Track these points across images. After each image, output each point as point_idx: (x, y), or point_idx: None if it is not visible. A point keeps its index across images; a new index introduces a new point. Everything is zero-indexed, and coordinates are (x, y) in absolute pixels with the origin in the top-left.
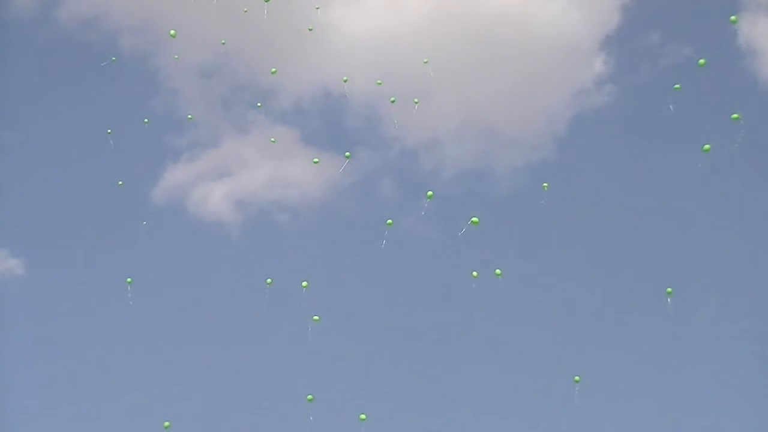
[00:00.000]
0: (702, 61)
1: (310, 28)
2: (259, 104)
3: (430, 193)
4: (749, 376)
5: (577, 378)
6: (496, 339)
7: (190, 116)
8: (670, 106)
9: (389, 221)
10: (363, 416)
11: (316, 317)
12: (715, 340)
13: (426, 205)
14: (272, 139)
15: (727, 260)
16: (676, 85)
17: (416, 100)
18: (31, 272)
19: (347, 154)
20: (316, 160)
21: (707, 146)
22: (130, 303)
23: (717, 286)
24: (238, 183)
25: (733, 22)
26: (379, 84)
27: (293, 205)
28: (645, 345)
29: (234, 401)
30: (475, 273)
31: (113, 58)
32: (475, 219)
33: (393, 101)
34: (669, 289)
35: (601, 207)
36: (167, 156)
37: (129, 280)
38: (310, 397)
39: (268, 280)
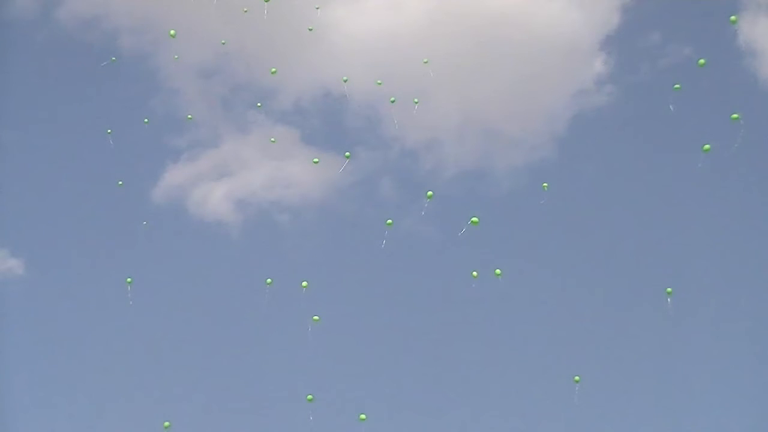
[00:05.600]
0: (702, 61)
1: (310, 28)
2: (259, 104)
3: (430, 193)
4: (749, 376)
5: (577, 378)
6: (496, 339)
7: (190, 116)
8: (670, 106)
9: (389, 221)
10: (363, 416)
11: (316, 317)
12: (715, 340)
13: (426, 205)
14: (272, 139)
15: (727, 260)
16: (676, 85)
17: (416, 100)
18: (31, 272)
19: (347, 154)
20: (316, 160)
21: (707, 146)
22: (130, 303)
23: (717, 286)
24: (238, 183)
25: (733, 22)
26: (379, 84)
27: (293, 205)
28: (645, 345)
29: (234, 401)
30: (475, 273)
31: (113, 58)
32: (475, 219)
33: (393, 101)
34: (669, 289)
35: (601, 207)
36: (167, 156)
37: (129, 280)
38: (310, 397)
39: (268, 280)
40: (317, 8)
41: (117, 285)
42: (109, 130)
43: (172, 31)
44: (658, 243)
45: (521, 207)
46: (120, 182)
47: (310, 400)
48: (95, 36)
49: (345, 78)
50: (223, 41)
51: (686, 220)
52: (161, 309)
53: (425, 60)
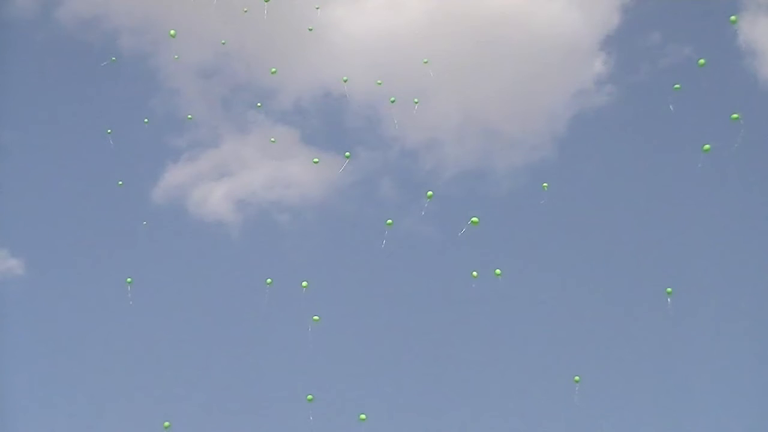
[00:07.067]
0: (702, 61)
1: (310, 28)
2: (259, 104)
3: (430, 193)
4: (749, 376)
5: (577, 378)
6: (496, 339)
7: (190, 116)
8: (670, 106)
9: (389, 221)
10: (363, 416)
11: (316, 317)
12: (715, 340)
13: (426, 205)
14: (272, 139)
15: (727, 260)
16: (676, 85)
17: (416, 100)
18: (31, 272)
19: (347, 154)
20: (316, 160)
21: (707, 146)
22: (130, 303)
23: (717, 286)
24: (238, 183)
25: (733, 22)
26: (379, 84)
27: (293, 205)
28: (645, 345)
29: (234, 401)
30: (475, 273)
31: (113, 58)
32: (475, 219)
33: (393, 101)
34: (669, 289)
35: (601, 207)
36: (167, 156)
37: (129, 280)
38: (310, 397)
39: (268, 280)
40: (317, 8)
41: (117, 285)
42: (109, 130)
43: (172, 31)
44: (658, 243)
45: (521, 207)
46: (120, 182)
47: (310, 400)
48: (95, 36)
49: (345, 78)
50: (223, 41)
51: (686, 220)
52: (161, 309)
53: (425, 60)
